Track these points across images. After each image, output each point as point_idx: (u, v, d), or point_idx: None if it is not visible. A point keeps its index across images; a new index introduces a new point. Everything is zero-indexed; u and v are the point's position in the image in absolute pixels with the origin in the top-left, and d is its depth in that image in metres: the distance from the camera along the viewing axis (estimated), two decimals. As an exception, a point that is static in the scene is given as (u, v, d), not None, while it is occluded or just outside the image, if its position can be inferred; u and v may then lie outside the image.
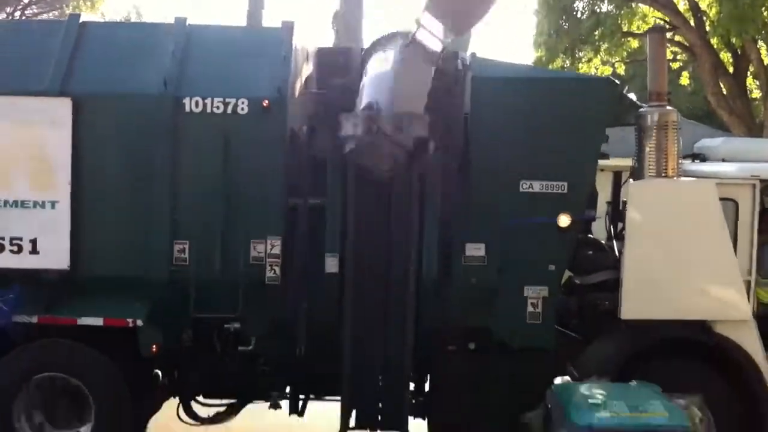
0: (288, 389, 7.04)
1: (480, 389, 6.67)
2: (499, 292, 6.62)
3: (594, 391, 5.02)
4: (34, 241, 6.46)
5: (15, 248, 6.46)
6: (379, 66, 6.31)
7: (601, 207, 7.38)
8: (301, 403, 7.09)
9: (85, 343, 6.57)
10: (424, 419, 7.00)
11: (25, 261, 6.47)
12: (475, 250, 6.58)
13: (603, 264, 6.97)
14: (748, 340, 6.49)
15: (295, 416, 7.10)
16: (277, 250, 6.50)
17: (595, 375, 5.77)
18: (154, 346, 6.50)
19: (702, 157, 7.51)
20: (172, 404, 7.26)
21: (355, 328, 6.58)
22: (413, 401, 6.98)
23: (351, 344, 6.58)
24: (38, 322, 6.52)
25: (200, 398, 7.23)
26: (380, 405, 6.78)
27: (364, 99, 5.91)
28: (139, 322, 6.46)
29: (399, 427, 6.75)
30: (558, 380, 5.50)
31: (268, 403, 7.06)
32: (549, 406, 5.19)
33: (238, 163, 6.47)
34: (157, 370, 7.12)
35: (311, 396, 7.16)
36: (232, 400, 7.23)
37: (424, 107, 6.03)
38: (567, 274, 7.39)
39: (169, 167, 6.47)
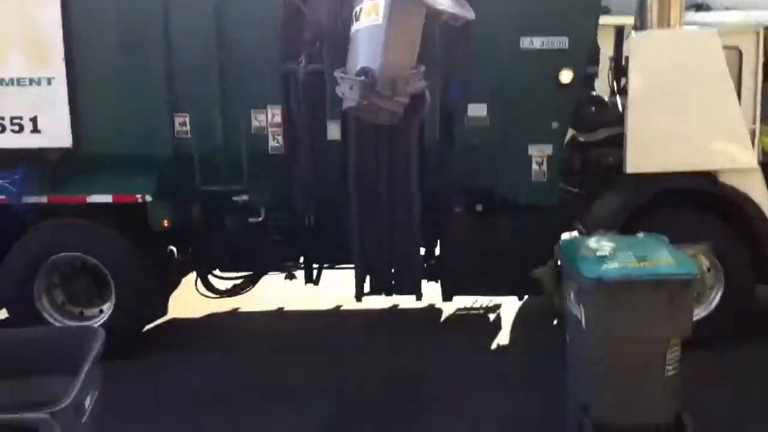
0: (301, 259, 7.16)
1: (489, 249, 6.80)
2: (502, 152, 6.63)
3: (601, 244, 5.05)
4: (34, 120, 6.41)
5: (16, 128, 6.42)
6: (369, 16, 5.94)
7: (603, 63, 7.28)
8: (315, 272, 7.21)
9: (97, 222, 6.65)
10: (436, 282, 7.16)
11: (27, 140, 6.44)
12: (477, 110, 6.54)
13: (606, 121, 6.94)
14: (754, 188, 6.53)
15: (310, 285, 7.24)
16: (278, 119, 6.47)
17: (601, 229, 5.84)
18: (165, 221, 6.57)
19: (706, 7, 7.36)
20: (191, 280, 7.41)
21: (361, 194, 6.62)
22: (425, 265, 7.11)
23: (358, 211, 6.65)
24: (48, 201, 6.57)
25: (217, 272, 7.35)
26: (393, 270, 6.90)
27: (359, 54, 5.61)
28: (148, 198, 6.52)
29: (412, 291, 6.91)
30: (565, 235, 5.57)
31: (284, 274, 7.22)
32: (558, 261, 5.27)
33: (233, 30, 6.35)
34: (171, 247, 7.23)
35: (325, 265, 7.29)
36: (248, 273, 7.37)
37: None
38: (570, 132, 7.41)
39: (163, 38, 6.35)
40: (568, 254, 5.05)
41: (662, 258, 4.82)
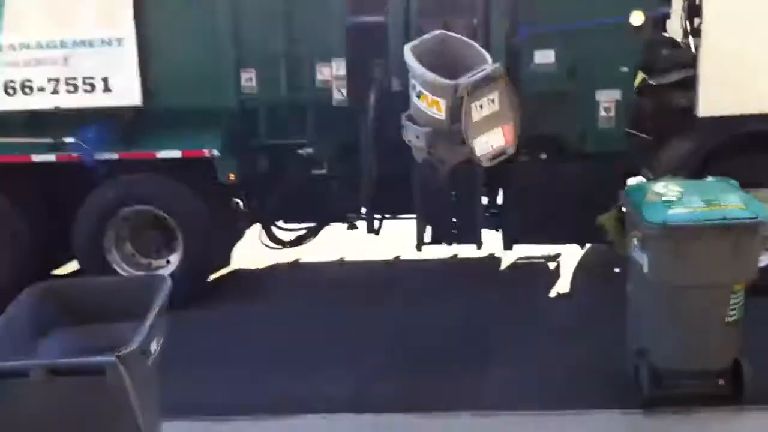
0: (363, 210, 7.21)
1: (553, 198, 6.71)
2: (570, 97, 6.49)
3: (668, 189, 4.93)
4: (105, 80, 6.61)
5: (88, 87, 6.62)
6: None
7: (676, 3, 7.01)
8: (377, 222, 7.25)
9: (166, 176, 6.84)
10: (497, 231, 7.13)
11: (98, 100, 6.65)
12: (545, 56, 6.40)
13: (679, 62, 6.69)
14: None
15: (372, 235, 7.29)
16: (342, 72, 6.50)
17: (670, 174, 5.71)
18: (231, 175, 6.70)
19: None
20: (255, 232, 7.58)
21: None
22: (486, 214, 7.09)
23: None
24: (119, 157, 6.77)
25: (281, 224, 7.50)
26: (454, 220, 6.90)
27: None
28: (216, 152, 6.66)
29: (473, 241, 6.90)
30: (632, 181, 5.44)
31: (346, 225, 7.31)
32: (622, 206, 5.17)
33: None
34: (236, 199, 7.38)
35: (386, 215, 7.32)
36: (311, 224, 7.49)
37: None
38: (641, 75, 7.19)
39: None
40: (634, 199, 4.94)
41: (731, 202, 4.68)
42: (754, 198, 4.81)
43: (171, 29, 6.59)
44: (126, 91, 6.60)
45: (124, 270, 7.00)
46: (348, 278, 7.73)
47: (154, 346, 3.76)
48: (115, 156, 6.76)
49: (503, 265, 7.65)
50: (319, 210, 7.24)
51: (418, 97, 5.01)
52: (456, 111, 4.87)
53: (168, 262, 7.05)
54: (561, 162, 6.77)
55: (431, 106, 4.93)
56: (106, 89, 6.62)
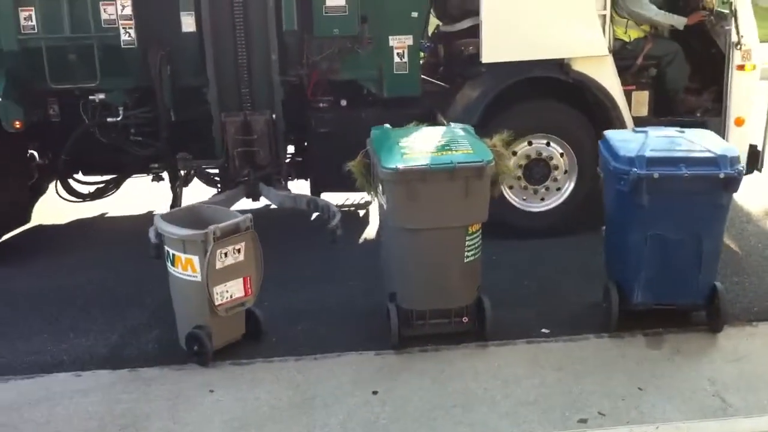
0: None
1: (354, 145, 6.78)
2: (363, 42, 6.54)
3: (407, 137, 5.09)
4: None
5: None
6: None
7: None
8: (182, 173, 7.13)
9: None
10: (306, 180, 7.19)
11: None
12: (335, 1, 6.37)
13: (470, 10, 6.83)
14: (606, 75, 6.50)
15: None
16: (128, 11, 6.32)
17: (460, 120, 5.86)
18: (17, 122, 6.44)
19: None
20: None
21: (221, 90, 6.49)
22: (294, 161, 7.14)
23: (218, 111, 6.53)
24: None
25: (80, 177, 7.29)
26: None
27: None
28: None
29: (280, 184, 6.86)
30: (375, 128, 5.53)
31: (150, 177, 7.20)
32: (368, 152, 5.27)
33: None
34: (31, 151, 7.16)
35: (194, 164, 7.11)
36: (111, 176, 7.35)
37: None
38: (435, 22, 7.28)
39: None
40: (376, 146, 5.06)
41: (461, 147, 4.85)
42: (482, 143, 5.00)
43: None
44: None
45: None
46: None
47: None
48: None
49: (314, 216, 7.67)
50: (118, 161, 7.06)
51: (172, 264, 4.90)
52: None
53: None
54: (360, 108, 6.84)
55: (185, 269, 4.83)
56: None
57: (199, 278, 4.79)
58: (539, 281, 5.96)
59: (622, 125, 6.43)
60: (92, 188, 7.37)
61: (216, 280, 4.80)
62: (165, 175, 7.16)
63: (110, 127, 6.72)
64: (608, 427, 4.20)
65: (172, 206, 6.73)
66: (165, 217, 5.01)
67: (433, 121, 6.36)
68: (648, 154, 4.83)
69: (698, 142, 5.00)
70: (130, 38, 6.40)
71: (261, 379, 4.79)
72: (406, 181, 4.70)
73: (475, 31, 6.65)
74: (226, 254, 4.81)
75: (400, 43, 6.58)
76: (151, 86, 6.57)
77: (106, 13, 6.34)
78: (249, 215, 4.96)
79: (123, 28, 6.37)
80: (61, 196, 7.25)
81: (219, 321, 4.90)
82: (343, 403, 4.50)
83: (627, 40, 6.75)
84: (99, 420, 4.41)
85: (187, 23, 6.42)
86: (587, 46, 6.43)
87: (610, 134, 5.33)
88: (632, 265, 5.02)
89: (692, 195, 4.80)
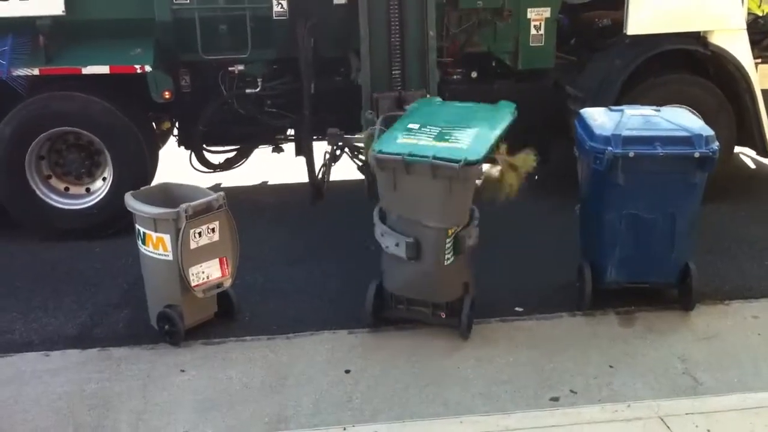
0: (292, 132, 7.01)
1: None
2: (504, 14, 6.55)
3: (428, 116, 4.92)
4: None
5: None
6: None
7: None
8: (332, 148, 6.54)
9: (89, 94, 6.31)
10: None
11: (16, 8, 6.05)
12: None
13: None
14: (741, 49, 6.61)
15: (301, 158, 6.87)
16: None
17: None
18: (166, 92, 6.33)
19: None
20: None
21: (374, 66, 5.93)
22: None
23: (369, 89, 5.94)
24: (40, 74, 6.17)
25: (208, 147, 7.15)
26: None
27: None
28: (148, 68, 6.19)
29: None
30: (419, 101, 5.40)
31: (271, 148, 7.18)
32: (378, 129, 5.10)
33: None
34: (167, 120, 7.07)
35: (317, 137, 6.71)
36: (239, 146, 7.23)
37: None
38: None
39: None
40: (400, 119, 4.99)
41: (460, 140, 4.61)
42: (488, 137, 4.70)
43: None
44: None
45: (44, 194, 6.52)
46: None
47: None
48: (35, 72, 6.17)
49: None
50: (249, 132, 6.94)
51: (143, 242, 4.79)
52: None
53: (87, 189, 6.64)
54: (491, 80, 6.83)
55: (156, 247, 4.74)
56: None
57: (170, 257, 4.72)
58: (512, 259, 5.95)
59: (752, 98, 6.62)
60: (221, 158, 7.24)
61: (191, 261, 4.73)
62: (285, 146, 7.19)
63: (247, 98, 6.67)
64: (580, 405, 4.22)
65: (316, 184, 6.39)
66: (136, 195, 4.94)
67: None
68: (624, 133, 4.82)
69: (674, 120, 5.00)
70: (282, 9, 6.38)
71: (233, 358, 4.76)
72: (383, 168, 4.60)
73: (602, 4, 6.78)
74: (200, 234, 4.75)
75: (537, 16, 6.64)
76: (291, 57, 6.48)
77: None
78: (222, 193, 4.88)
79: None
80: (194, 167, 7.11)
81: (191, 300, 4.85)
82: (316, 382, 4.48)
83: (760, 14, 6.91)
84: (68, 400, 4.36)
85: None
86: (727, 20, 6.56)
87: (586, 113, 5.31)
88: (606, 243, 5.03)
89: (667, 174, 4.80)
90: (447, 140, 4.62)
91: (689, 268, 5.06)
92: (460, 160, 4.39)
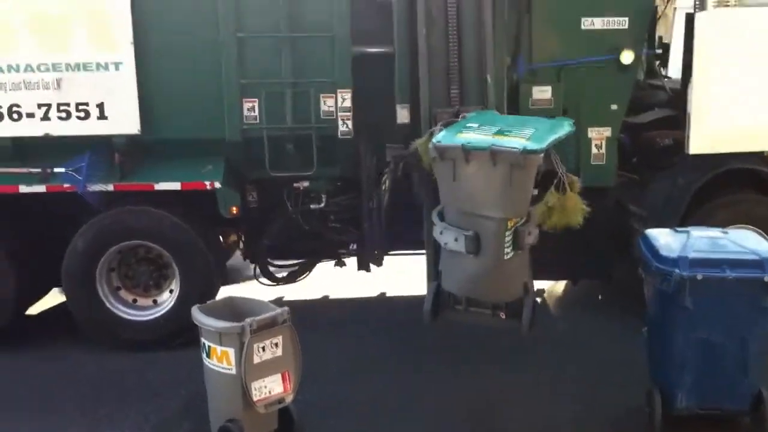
0: (355, 246, 7.07)
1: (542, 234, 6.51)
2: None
3: (473, 122, 5.04)
4: (101, 106, 6.29)
5: (82, 114, 6.28)
6: None
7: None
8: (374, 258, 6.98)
9: (164, 209, 6.54)
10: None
11: (93, 127, 6.32)
12: (541, 92, 6.56)
13: (656, 102, 6.92)
14: None
15: (363, 272, 7.16)
16: (348, 103, 6.45)
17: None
18: (234, 208, 6.53)
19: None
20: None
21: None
22: None
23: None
24: (114, 189, 6.46)
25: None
26: None
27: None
28: (217, 184, 6.42)
29: None
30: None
31: (333, 262, 7.31)
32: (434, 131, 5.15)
33: (304, 11, 6.36)
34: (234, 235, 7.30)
35: (386, 251, 7.01)
36: (302, 260, 7.34)
37: None
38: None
39: (234, 20, 6.28)
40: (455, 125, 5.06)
41: (521, 134, 4.72)
42: (547, 136, 4.83)
43: (171, 54, 6.35)
44: (124, 118, 6.31)
45: (112, 305, 6.70)
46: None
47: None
48: (110, 187, 6.44)
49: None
50: (314, 246, 7.07)
51: (208, 356, 4.88)
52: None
53: (154, 301, 6.81)
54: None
55: (221, 361, 4.80)
56: (102, 116, 6.30)
57: (233, 371, 4.74)
58: (578, 383, 5.79)
59: None
60: (284, 272, 7.36)
61: (254, 375, 4.74)
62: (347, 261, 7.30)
63: (312, 214, 6.84)
64: None
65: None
66: (201, 309, 5.03)
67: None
68: (691, 255, 4.77)
69: (742, 243, 4.93)
70: (347, 129, 6.53)
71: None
72: (442, 158, 4.68)
73: (663, 123, 6.85)
74: (263, 348, 4.77)
75: (598, 135, 6.69)
76: (354, 175, 6.68)
77: (326, 105, 6.49)
78: (286, 308, 4.93)
79: (341, 119, 6.50)
80: (259, 281, 7.25)
81: (252, 415, 4.81)
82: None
83: None
84: None
85: (403, 115, 6.44)
86: None
87: (651, 233, 5.28)
88: (676, 368, 4.89)
89: (736, 298, 4.71)
90: (506, 135, 4.74)
91: (762, 395, 4.89)
92: (520, 148, 4.51)
